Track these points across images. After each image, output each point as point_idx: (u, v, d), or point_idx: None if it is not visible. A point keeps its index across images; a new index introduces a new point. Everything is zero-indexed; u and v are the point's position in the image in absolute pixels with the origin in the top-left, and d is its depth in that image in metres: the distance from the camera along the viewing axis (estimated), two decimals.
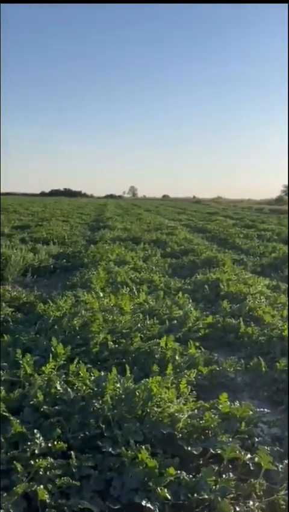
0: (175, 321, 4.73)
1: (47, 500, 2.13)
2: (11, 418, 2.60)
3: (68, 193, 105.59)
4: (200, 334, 4.73)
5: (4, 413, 2.67)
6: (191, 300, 5.74)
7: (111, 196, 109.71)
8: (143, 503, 2.15)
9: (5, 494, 2.14)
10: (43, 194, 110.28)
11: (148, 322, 4.53)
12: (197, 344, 4.24)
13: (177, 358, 3.76)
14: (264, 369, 3.85)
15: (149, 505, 2.15)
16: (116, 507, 2.16)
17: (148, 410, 2.78)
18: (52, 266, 8.58)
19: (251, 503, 2.24)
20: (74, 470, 2.32)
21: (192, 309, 5.25)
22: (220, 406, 2.95)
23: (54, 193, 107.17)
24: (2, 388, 2.94)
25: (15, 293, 5.95)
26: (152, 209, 35.83)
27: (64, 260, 9.00)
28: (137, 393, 2.84)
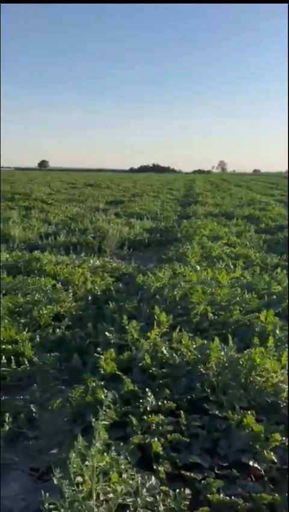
0: (274, 297, 4.69)
1: (160, 453, 2.30)
2: (124, 377, 2.81)
3: (156, 169, 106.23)
4: None
5: (116, 372, 2.90)
6: None
7: (199, 171, 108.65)
8: (250, 463, 2.26)
9: (121, 443, 2.34)
10: (132, 170, 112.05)
11: (246, 296, 4.55)
12: None
13: (277, 332, 3.76)
14: None
15: (256, 465, 2.25)
16: (224, 464, 2.28)
17: (251, 379, 2.85)
18: (146, 240, 8.83)
19: None
20: (183, 428, 2.48)
21: None
22: None
23: (143, 169, 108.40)
24: (112, 350, 3.17)
25: (114, 264, 6.24)
26: (243, 184, 34.96)
27: (158, 235, 9.21)
28: (241, 362, 2.92)
